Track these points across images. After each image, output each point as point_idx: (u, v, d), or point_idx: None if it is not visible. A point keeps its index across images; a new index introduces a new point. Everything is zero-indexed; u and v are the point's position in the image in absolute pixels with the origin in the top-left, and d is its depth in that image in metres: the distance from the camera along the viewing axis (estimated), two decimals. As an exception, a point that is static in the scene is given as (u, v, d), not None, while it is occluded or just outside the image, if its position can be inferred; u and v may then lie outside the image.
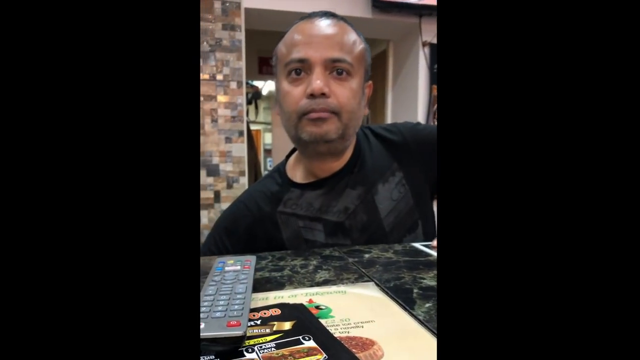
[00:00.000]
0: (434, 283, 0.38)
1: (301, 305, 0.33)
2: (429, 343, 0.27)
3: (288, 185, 0.64)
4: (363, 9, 2.03)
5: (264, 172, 4.66)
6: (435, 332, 0.28)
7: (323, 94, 0.53)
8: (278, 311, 0.31)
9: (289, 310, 0.31)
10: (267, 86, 4.62)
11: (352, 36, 0.57)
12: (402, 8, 2.01)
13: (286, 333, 0.27)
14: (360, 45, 0.58)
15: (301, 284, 0.39)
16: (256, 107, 4.49)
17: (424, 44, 2.13)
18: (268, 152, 4.99)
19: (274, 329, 0.28)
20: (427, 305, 0.32)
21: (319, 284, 0.39)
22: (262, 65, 3.44)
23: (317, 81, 0.53)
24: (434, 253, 0.51)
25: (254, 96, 4.25)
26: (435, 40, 2.10)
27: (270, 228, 0.61)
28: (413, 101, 2.21)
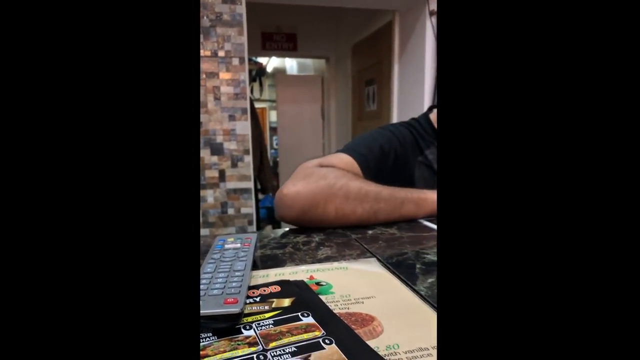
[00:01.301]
0: (437, 258, 0.37)
1: (301, 282, 0.32)
2: (429, 318, 0.26)
3: (435, 138, 0.64)
4: (367, -22, 1.96)
5: (270, 151, 4.66)
6: (437, 306, 0.27)
7: None
8: (278, 288, 0.31)
9: (288, 287, 0.31)
10: (271, 63, 4.55)
11: None
12: (408, -24, 1.93)
13: (285, 310, 0.27)
14: None
15: (303, 261, 0.39)
16: (260, 85, 4.45)
17: (431, 13, 2.05)
18: (274, 130, 4.96)
19: (273, 305, 0.28)
20: (430, 280, 0.32)
21: (320, 261, 0.38)
22: (265, 40, 3.36)
23: None
24: (439, 228, 0.50)
25: (258, 73, 4.20)
26: (442, 10, 2.02)
27: (406, 170, 0.63)
28: (420, 73, 2.15)
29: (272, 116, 5.26)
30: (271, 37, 3.37)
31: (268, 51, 3.46)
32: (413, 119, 0.69)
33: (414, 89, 2.23)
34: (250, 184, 1.75)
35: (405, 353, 0.22)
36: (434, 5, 2.03)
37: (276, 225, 3.26)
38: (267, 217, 3.28)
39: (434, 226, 0.51)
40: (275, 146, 4.80)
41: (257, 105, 3.96)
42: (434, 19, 2.05)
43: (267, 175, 2.73)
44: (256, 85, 4.28)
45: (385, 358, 0.21)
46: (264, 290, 0.30)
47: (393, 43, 2.42)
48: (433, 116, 0.68)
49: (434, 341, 0.23)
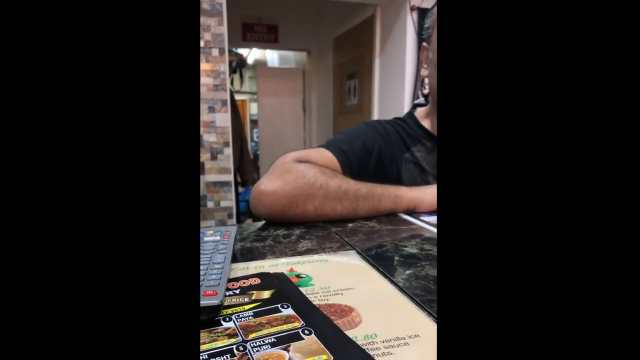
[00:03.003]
0: (415, 250, 0.38)
1: (281, 274, 0.32)
2: (407, 308, 0.27)
3: (422, 136, 0.65)
4: (349, -29, 1.95)
5: (250, 144, 4.61)
6: (415, 298, 0.28)
7: None
8: (257, 280, 0.31)
9: (268, 280, 0.31)
10: (252, 54, 4.48)
11: None
12: (390, -30, 1.93)
13: (265, 302, 0.27)
14: None
15: (283, 254, 0.39)
16: (241, 76, 4.38)
17: (412, 8, 2.07)
18: (254, 122, 4.91)
19: (253, 297, 0.28)
20: (407, 272, 0.33)
21: (300, 254, 0.39)
22: (246, 31, 3.31)
23: None
24: (416, 221, 0.51)
25: (239, 64, 4.13)
26: (423, 5, 2.04)
27: (393, 166, 0.63)
28: (401, 67, 2.17)
29: (253, 108, 5.21)
30: (252, 28, 3.32)
31: (249, 42, 3.41)
32: (397, 118, 0.70)
33: (395, 83, 2.25)
34: (230, 177, 1.74)
35: (383, 342, 0.22)
36: (414, 1, 2.05)
37: (256, 218, 3.24)
38: (248, 210, 3.26)
39: (412, 219, 0.52)
40: (255, 139, 4.76)
41: (238, 97, 3.90)
42: (415, 14, 2.07)
43: (247, 168, 2.72)
44: (236, 76, 4.22)
45: (363, 347, 0.22)
46: (244, 283, 0.30)
47: (374, 37, 2.42)
48: (418, 114, 0.69)
49: (410, 331, 0.24)
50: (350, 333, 0.23)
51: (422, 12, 2.04)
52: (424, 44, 0.65)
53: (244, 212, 3.20)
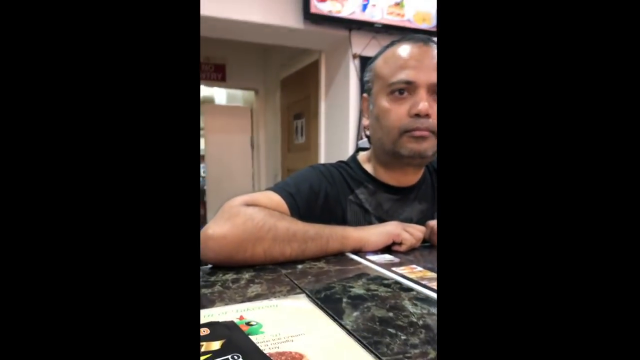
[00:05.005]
0: (362, 291, 0.40)
1: (231, 322, 0.32)
2: (355, 352, 0.28)
3: (364, 179, 0.68)
4: (295, 20, 2.07)
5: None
6: (362, 341, 0.29)
7: (427, 115, 0.59)
8: (207, 330, 0.30)
9: (218, 329, 0.31)
10: (203, 91, 4.47)
11: None
12: (333, 21, 2.07)
13: (215, 353, 0.27)
14: None
15: (232, 300, 0.39)
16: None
17: (354, 56, 2.21)
18: (201, 158, 4.80)
19: (203, 349, 0.28)
20: (355, 314, 0.34)
21: (250, 299, 0.39)
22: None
23: (424, 103, 0.59)
24: (362, 260, 0.53)
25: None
26: (364, 53, 2.20)
27: (338, 208, 0.65)
28: (345, 110, 2.29)
29: (200, 144, 5.10)
30: (199, 67, 3.34)
31: (207, 80, 3.41)
32: (341, 161, 0.74)
33: (340, 124, 2.35)
34: (174, 217, 1.66)
35: (333, 387, 0.23)
36: (356, 49, 2.20)
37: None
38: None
39: (359, 259, 0.54)
40: (202, 174, 4.64)
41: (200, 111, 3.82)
42: (357, 62, 2.22)
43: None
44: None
45: (314, 394, 0.22)
46: (193, 334, 0.30)
47: (319, 80, 2.54)
48: (360, 158, 0.73)
49: (358, 373, 0.25)
50: (301, 380, 0.24)
51: (364, 60, 2.20)
52: (365, 95, 0.70)
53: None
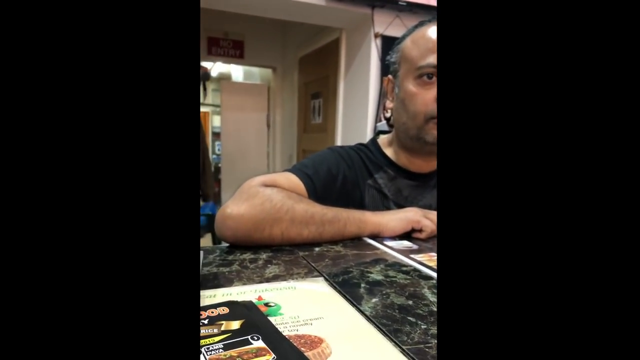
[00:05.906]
0: (380, 277, 0.40)
1: (250, 302, 0.32)
2: (375, 339, 0.28)
3: (384, 164, 0.68)
4: (317, -4, 2.02)
5: (212, 156, 4.52)
6: (382, 328, 0.29)
7: None
8: (226, 309, 0.31)
9: (237, 308, 0.31)
10: (216, 67, 4.44)
11: None
12: (356, -2, 2.01)
13: (234, 333, 0.27)
14: None
15: (250, 280, 0.39)
16: (204, 89, 4.32)
17: (376, 36, 2.15)
18: (216, 135, 4.83)
19: (222, 328, 0.28)
20: (374, 300, 0.34)
21: (268, 280, 0.39)
22: (211, 45, 3.29)
23: None
24: (380, 246, 0.53)
25: (203, 77, 4.07)
26: (387, 33, 2.14)
27: (356, 192, 0.65)
28: (365, 91, 2.24)
29: (216, 121, 5.13)
30: (218, 43, 3.31)
31: (214, 56, 3.39)
32: (361, 144, 0.72)
33: (359, 106, 2.31)
34: (190, 193, 1.68)
35: (353, 374, 0.23)
36: (378, 28, 2.14)
37: (216, 236, 3.16)
38: (207, 224, 3.17)
39: (376, 244, 0.53)
40: (217, 152, 4.67)
41: (200, 109, 3.84)
42: (379, 41, 2.16)
43: (208, 181, 2.65)
44: (200, 89, 4.15)
45: (334, 380, 0.22)
46: (212, 312, 0.30)
47: (339, 60, 2.49)
48: (381, 141, 0.71)
49: (378, 361, 0.24)
50: (321, 365, 0.24)
51: (386, 40, 2.14)
52: (390, 77, 0.68)
53: (203, 226, 3.10)
